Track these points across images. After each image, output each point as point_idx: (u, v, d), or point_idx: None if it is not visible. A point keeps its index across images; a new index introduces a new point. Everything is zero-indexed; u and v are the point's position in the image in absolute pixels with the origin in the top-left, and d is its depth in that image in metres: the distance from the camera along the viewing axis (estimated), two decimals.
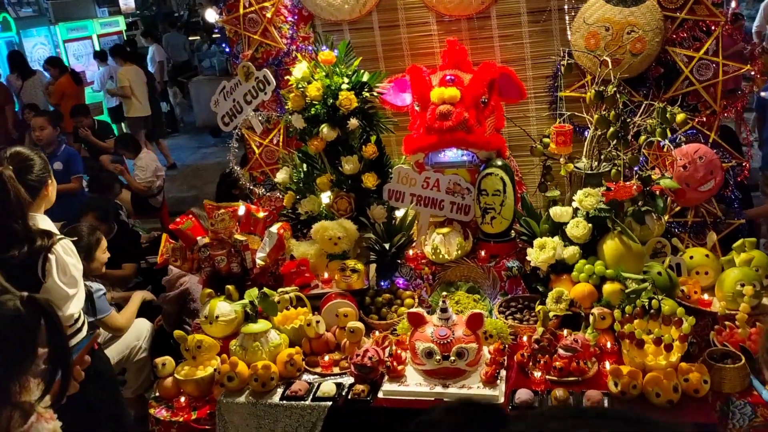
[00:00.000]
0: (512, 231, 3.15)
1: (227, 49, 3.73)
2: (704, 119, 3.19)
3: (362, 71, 3.20)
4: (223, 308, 2.94)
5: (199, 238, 3.12)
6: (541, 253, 2.85)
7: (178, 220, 3.14)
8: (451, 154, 3.22)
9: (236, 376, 2.65)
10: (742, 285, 2.61)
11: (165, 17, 18.08)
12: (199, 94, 11.59)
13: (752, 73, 3.08)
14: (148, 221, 7.29)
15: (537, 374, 2.47)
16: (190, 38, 16.04)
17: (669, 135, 2.94)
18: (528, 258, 2.91)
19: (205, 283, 3.12)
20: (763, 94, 4.37)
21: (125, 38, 12.41)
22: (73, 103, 8.43)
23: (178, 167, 10.43)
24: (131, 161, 7.04)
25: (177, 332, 2.85)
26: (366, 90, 3.15)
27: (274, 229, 3.16)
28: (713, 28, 3.08)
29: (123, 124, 10.55)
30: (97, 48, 11.54)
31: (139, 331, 3.79)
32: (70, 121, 7.89)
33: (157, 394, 2.83)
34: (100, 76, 10.70)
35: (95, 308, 3.29)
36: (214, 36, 15.01)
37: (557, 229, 2.96)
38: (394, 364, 2.60)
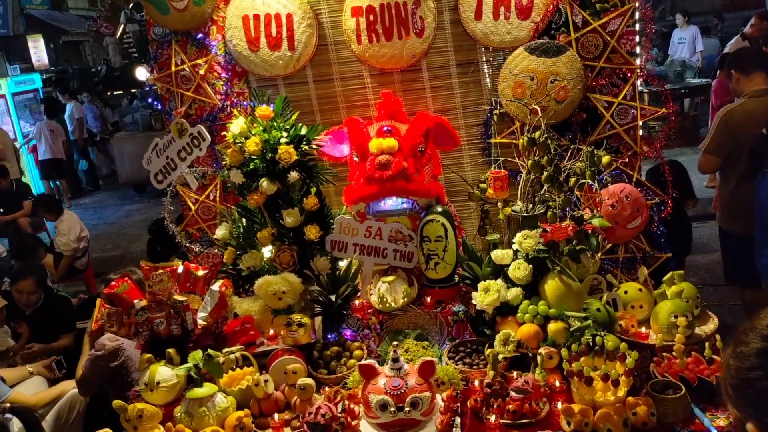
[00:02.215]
0: (456, 276, 3.20)
1: (159, 107, 3.68)
2: (627, 160, 3.39)
3: (300, 125, 3.22)
4: (165, 373, 2.81)
5: (136, 301, 3.00)
6: (486, 296, 2.90)
7: (113, 283, 3.02)
8: (392, 203, 3.26)
9: None
10: (676, 317, 2.73)
11: (81, 73, 17.67)
12: (122, 150, 11.29)
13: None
14: (71, 284, 6.96)
15: (492, 419, 2.48)
16: (109, 93, 15.73)
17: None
18: (473, 301, 2.95)
19: (144, 348, 2.99)
20: None
21: (42, 95, 12.03)
22: None
23: (101, 226, 10.06)
24: (52, 223, 6.74)
25: (116, 402, 2.69)
26: (305, 143, 3.17)
27: (215, 287, 3.08)
28: (629, 74, 3.30)
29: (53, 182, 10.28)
30: (12, 106, 11.20)
31: (72, 403, 3.57)
32: None
33: None
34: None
35: None
36: (133, 91, 14.79)
37: (499, 271, 3.02)
38: (348, 419, 2.54)
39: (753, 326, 1.04)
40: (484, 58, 3.49)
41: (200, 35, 3.55)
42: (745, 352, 1.03)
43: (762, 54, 4.50)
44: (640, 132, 3.42)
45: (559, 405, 2.47)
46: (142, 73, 3.78)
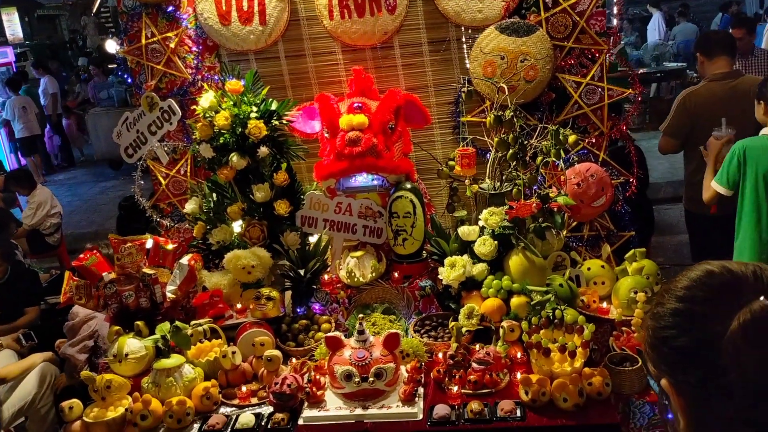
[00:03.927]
0: (423, 251, 3.24)
1: (129, 80, 3.65)
2: (593, 140, 3.44)
3: (271, 100, 3.22)
4: (133, 345, 2.84)
5: (104, 273, 3.01)
6: (452, 271, 2.95)
7: (81, 256, 3.02)
8: (362, 179, 3.29)
9: (150, 414, 2.56)
10: (635, 292, 2.80)
11: (55, 47, 17.37)
12: (96, 126, 11.16)
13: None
14: (45, 260, 6.91)
15: (453, 389, 2.54)
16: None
17: (563, 155, 3.14)
18: (440, 277, 3.00)
19: (113, 321, 3.00)
20: None
21: (15, 69, 11.81)
22: None
23: (76, 203, 9.95)
24: (25, 198, 6.67)
25: (84, 373, 2.72)
26: (275, 118, 3.18)
27: (184, 260, 3.10)
28: (597, 55, 3.35)
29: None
30: None
31: (43, 375, 3.58)
32: None
33: None
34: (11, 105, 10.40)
35: None
36: (110, 66, 14.55)
37: (466, 247, 3.07)
38: (314, 389, 2.59)
39: (669, 288, 1.10)
40: (456, 37, 3.51)
41: (171, 8, 3.51)
42: (660, 313, 1.09)
43: (728, 38, 4.55)
44: (613, 113, 3.47)
45: (519, 376, 2.54)
46: (111, 46, 3.74)
